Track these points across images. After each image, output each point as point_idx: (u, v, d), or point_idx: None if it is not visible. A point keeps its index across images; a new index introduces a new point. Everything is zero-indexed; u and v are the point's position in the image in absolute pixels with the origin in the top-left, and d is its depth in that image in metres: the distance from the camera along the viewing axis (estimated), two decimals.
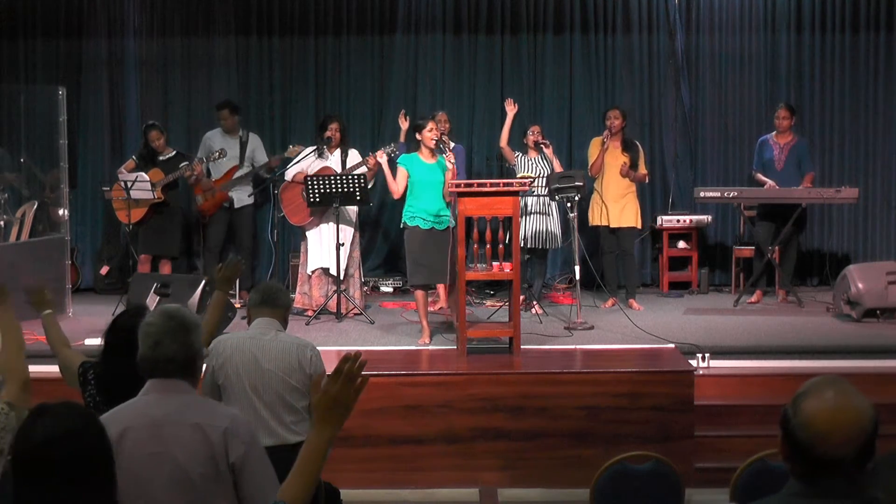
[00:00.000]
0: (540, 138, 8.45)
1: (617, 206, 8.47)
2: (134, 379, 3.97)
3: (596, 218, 8.57)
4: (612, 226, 8.50)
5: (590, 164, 8.53)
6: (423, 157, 7.21)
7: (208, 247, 9.00)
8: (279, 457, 4.03)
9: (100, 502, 2.38)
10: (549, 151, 8.40)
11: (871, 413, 2.15)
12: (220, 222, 8.99)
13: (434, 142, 7.15)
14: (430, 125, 7.21)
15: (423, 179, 7.12)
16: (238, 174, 8.88)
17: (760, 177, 8.70)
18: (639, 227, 8.72)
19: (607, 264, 8.67)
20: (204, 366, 4.20)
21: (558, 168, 8.31)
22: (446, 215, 7.15)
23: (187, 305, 6.88)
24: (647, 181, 8.93)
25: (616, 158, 8.48)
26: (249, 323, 4.32)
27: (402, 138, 8.68)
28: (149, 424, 2.89)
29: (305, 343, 4.23)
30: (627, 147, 8.51)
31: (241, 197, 9.00)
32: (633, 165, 8.50)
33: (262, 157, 9.02)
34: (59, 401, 2.43)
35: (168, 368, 2.97)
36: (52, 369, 6.38)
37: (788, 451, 2.20)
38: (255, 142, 9.07)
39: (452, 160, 7.13)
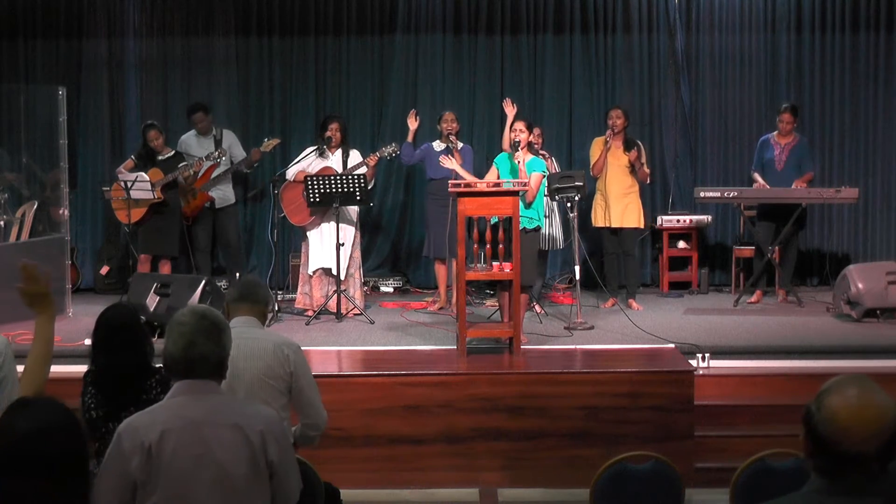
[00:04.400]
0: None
1: (619, 206, 8.46)
2: (121, 374, 4.01)
3: (599, 219, 8.56)
4: (613, 226, 8.49)
5: (592, 163, 8.52)
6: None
7: (198, 248, 8.99)
8: None
9: (74, 501, 2.35)
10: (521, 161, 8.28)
11: (894, 410, 2.18)
12: (205, 223, 8.98)
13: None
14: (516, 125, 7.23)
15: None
16: (216, 173, 8.88)
17: (756, 177, 8.70)
18: (641, 227, 8.71)
19: (609, 265, 8.67)
20: None
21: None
22: (525, 216, 6.93)
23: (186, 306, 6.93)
24: (648, 181, 8.91)
25: (618, 158, 8.47)
26: (227, 318, 4.28)
27: (410, 138, 8.67)
28: (188, 426, 2.85)
29: (283, 341, 4.18)
30: (630, 147, 8.49)
31: (224, 196, 9.00)
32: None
33: (239, 153, 9.01)
34: (41, 396, 2.41)
35: (202, 369, 2.93)
36: (55, 369, 6.47)
37: (811, 448, 2.22)
38: (229, 138, 9.05)
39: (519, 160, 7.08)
